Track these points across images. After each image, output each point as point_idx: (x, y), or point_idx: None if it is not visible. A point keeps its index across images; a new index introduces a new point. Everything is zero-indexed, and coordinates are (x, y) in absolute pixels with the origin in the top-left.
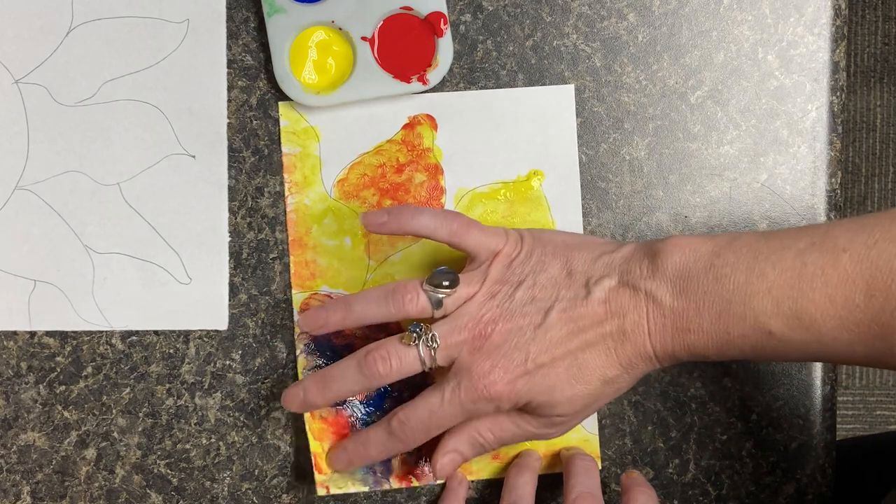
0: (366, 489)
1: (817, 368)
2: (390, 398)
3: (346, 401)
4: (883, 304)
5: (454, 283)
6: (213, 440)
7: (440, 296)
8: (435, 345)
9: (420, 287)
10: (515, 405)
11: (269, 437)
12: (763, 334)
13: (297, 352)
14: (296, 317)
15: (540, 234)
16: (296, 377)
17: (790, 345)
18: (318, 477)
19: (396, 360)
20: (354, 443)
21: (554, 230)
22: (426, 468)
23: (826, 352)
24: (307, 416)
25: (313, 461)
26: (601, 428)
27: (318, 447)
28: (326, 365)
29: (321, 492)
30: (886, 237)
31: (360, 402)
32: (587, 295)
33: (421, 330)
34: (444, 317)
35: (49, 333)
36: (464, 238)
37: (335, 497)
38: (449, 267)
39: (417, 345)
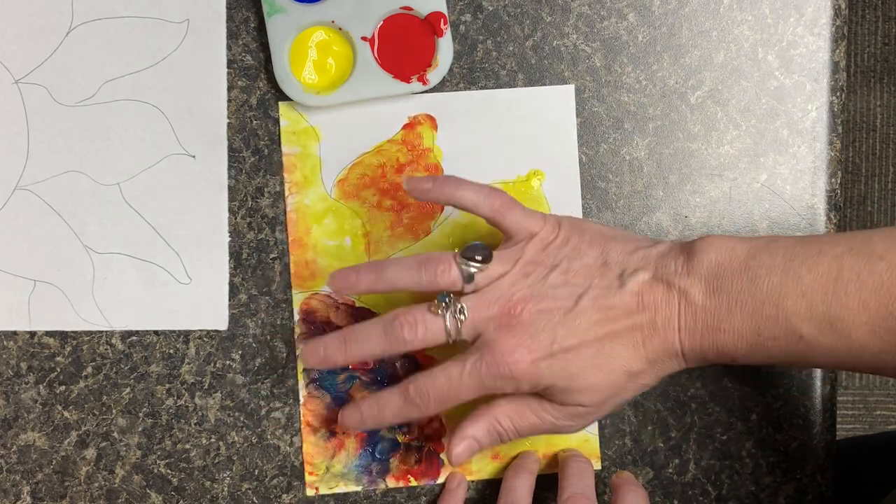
0: (359, 489)
1: (817, 369)
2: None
3: (346, 402)
4: None
5: (487, 259)
6: (213, 440)
7: (472, 270)
8: (463, 317)
9: (453, 259)
10: (535, 387)
11: (269, 437)
12: (794, 337)
13: (298, 352)
14: (296, 316)
15: (578, 223)
16: (296, 377)
17: (819, 350)
18: (308, 478)
19: (423, 327)
20: (369, 404)
21: (591, 220)
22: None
23: (854, 359)
24: (302, 414)
25: (304, 461)
26: (601, 428)
27: (310, 447)
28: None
29: (310, 492)
30: None
31: None
32: (621, 286)
33: (450, 300)
34: (473, 292)
35: (49, 333)
36: (505, 216)
37: (335, 497)
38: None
39: (445, 315)
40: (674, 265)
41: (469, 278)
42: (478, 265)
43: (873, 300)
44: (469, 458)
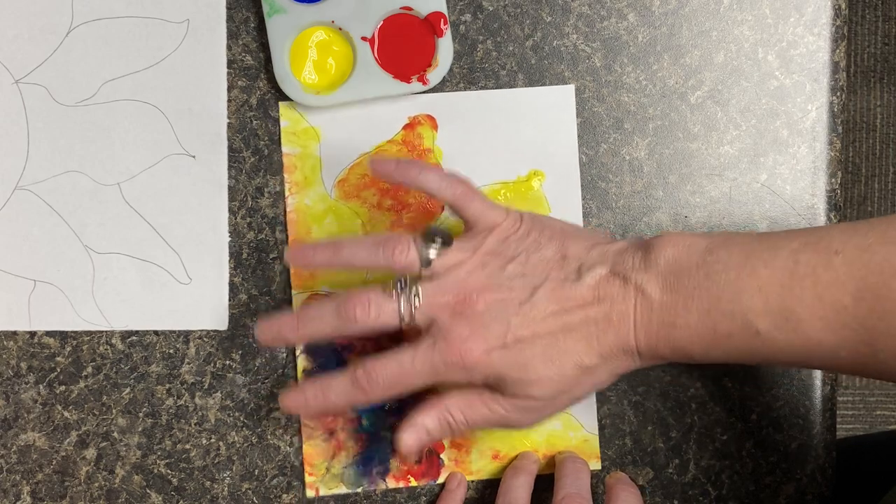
0: (359, 490)
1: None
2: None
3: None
4: (871, 307)
5: (447, 243)
6: (213, 440)
7: (431, 253)
8: (417, 301)
9: (412, 241)
10: (487, 378)
11: (269, 437)
12: (750, 333)
13: (297, 352)
14: None
15: (540, 218)
16: (296, 377)
17: (775, 345)
18: (308, 479)
19: (376, 308)
20: (314, 387)
21: (554, 217)
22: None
23: (810, 355)
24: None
25: (304, 461)
26: (601, 428)
27: (310, 448)
28: (327, 366)
29: (310, 493)
30: (880, 240)
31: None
32: (577, 279)
33: (406, 283)
34: (430, 278)
35: (49, 333)
36: (466, 204)
37: (335, 497)
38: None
39: (399, 298)
40: (631, 260)
41: (426, 262)
42: (436, 249)
43: (828, 295)
44: (418, 448)
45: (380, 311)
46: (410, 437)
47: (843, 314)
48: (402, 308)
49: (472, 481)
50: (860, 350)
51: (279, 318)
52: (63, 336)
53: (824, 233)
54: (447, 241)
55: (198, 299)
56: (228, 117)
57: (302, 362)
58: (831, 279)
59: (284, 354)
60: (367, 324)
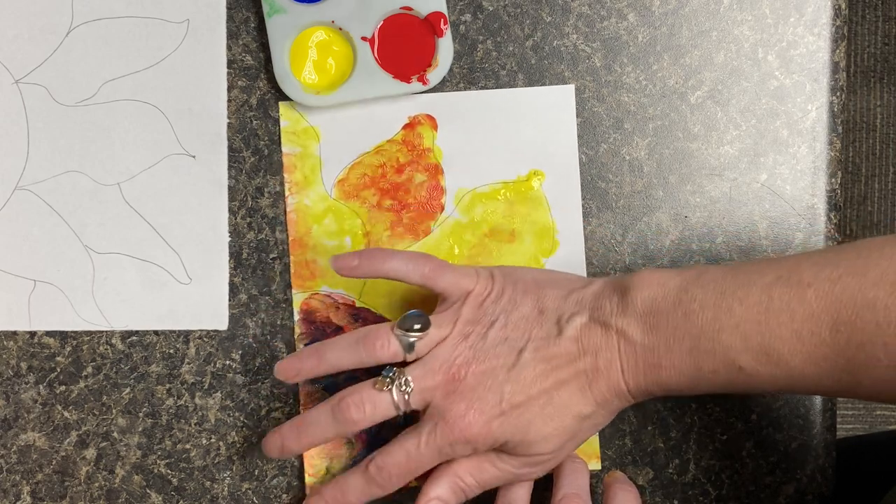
0: None
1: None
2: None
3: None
4: (848, 339)
5: (425, 326)
6: (213, 440)
7: (412, 339)
8: (409, 388)
9: (391, 332)
10: (492, 446)
11: None
12: (733, 369)
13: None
14: (296, 316)
15: (511, 272)
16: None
17: (760, 379)
18: (308, 479)
19: (370, 405)
20: (332, 489)
21: (524, 267)
22: None
23: (795, 386)
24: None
25: (304, 461)
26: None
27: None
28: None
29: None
30: (850, 271)
31: None
32: (559, 333)
33: (394, 374)
34: (417, 359)
35: (49, 333)
36: (436, 280)
37: None
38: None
39: (391, 389)
40: (609, 305)
41: (409, 348)
42: (416, 334)
43: (805, 329)
44: None
45: (375, 408)
46: None
47: (823, 347)
48: (396, 398)
49: None
50: (843, 379)
51: (281, 431)
52: (63, 336)
53: (794, 265)
54: (425, 323)
55: (198, 299)
56: (228, 117)
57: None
58: (807, 314)
59: (284, 354)
60: (364, 421)
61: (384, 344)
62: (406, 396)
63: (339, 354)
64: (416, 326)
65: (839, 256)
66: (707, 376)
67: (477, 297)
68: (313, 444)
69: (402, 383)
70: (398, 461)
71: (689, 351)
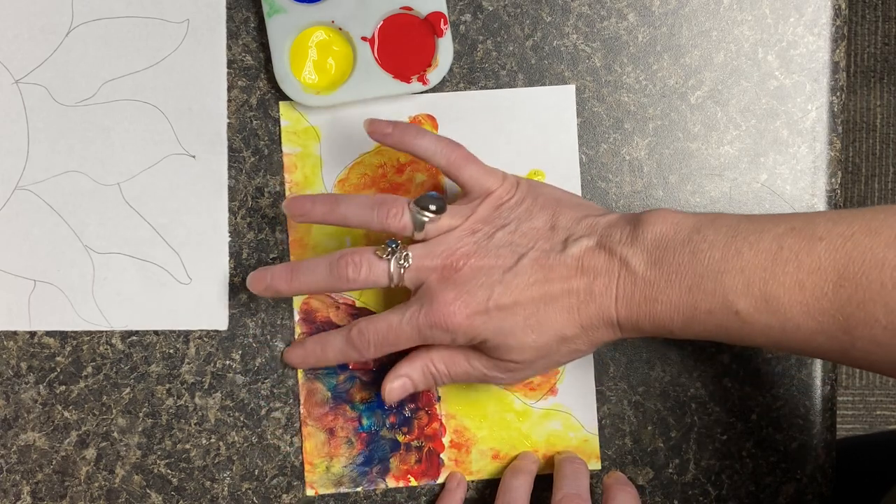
0: (359, 490)
1: (817, 368)
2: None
3: (352, 403)
4: (851, 295)
5: (440, 210)
6: (213, 440)
7: (424, 219)
8: (406, 264)
9: (407, 206)
10: (471, 341)
11: (269, 437)
12: (729, 313)
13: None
14: (296, 316)
15: (536, 186)
16: (295, 378)
17: (754, 327)
18: (308, 478)
19: (367, 268)
20: (313, 342)
21: (551, 185)
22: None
23: (788, 339)
24: (302, 414)
25: (304, 461)
26: (601, 428)
27: (310, 448)
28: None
29: (310, 493)
30: (864, 230)
31: (361, 403)
32: (563, 249)
33: (396, 247)
34: (423, 241)
35: (49, 333)
36: (460, 170)
37: (335, 497)
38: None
39: (390, 259)
40: (619, 234)
41: (419, 226)
42: (430, 214)
43: (809, 281)
44: (401, 395)
45: (370, 271)
46: (395, 384)
47: (823, 300)
48: (392, 269)
49: (472, 481)
50: (838, 337)
51: (272, 269)
52: (63, 336)
53: (810, 219)
54: (441, 207)
55: (198, 299)
56: (228, 117)
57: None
58: (814, 265)
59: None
60: (357, 282)
61: (397, 213)
62: (402, 270)
63: (352, 210)
64: (432, 207)
65: (855, 216)
66: (701, 317)
67: (497, 198)
68: (301, 291)
69: (402, 257)
70: (378, 328)
71: (688, 288)
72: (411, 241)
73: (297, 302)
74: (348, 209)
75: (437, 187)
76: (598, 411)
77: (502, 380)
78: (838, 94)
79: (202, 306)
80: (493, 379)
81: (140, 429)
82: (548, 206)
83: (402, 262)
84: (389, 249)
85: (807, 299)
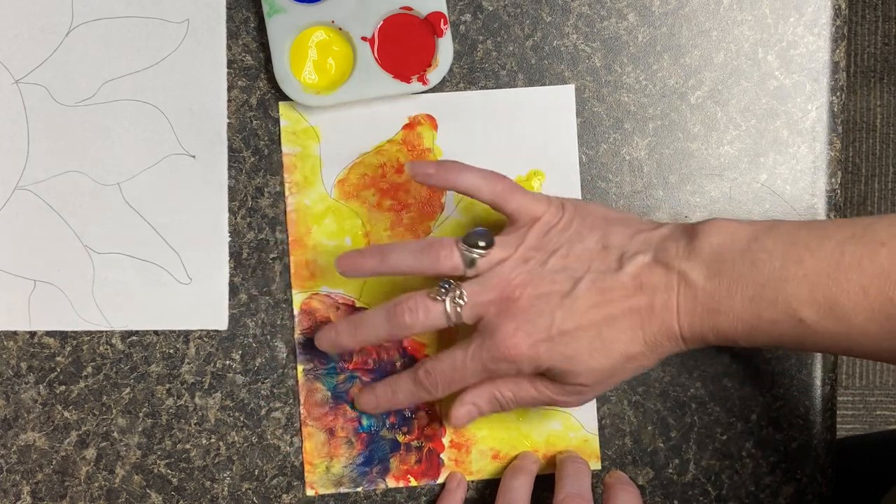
0: (359, 490)
1: (817, 368)
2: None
3: (352, 403)
4: None
5: (490, 245)
6: (213, 440)
7: (474, 256)
8: (462, 302)
9: (456, 245)
10: (536, 369)
11: (269, 437)
12: (794, 321)
13: (298, 352)
14: (296, 317)
15: (583, 206)
16: (296, 377)
17: (819, 334)
18: (308, 478)
19: (423, 312)
20: (384, 387)
21: (596, 203)
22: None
23: (853, 344)
24: (302, 414)
25: (304, 461)
26: (601, 428)
27: (310, 448)
28: (325, 363)
29: (310, 493)
30: None
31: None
32: (619, 269)
33: (450, 286)
34: (475, 276)
35: (49, 333)
36: (507, 200)
37: (335, 497)
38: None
39: (445, 300)
40: (675, 248)
41: (471, 263)
42: (480, 251)
43: (873, 287)
44: (468, 422)
45: (427, 315)
46: (461, 411)
47: (888, 306)
48: (448, 309)
49: (472, 481)
50: None
51: (336, 326)
52: (63, 336)
53: (869, 224)
54: (490, 242)
55: (198, 299)
56: (228, 117)
57: (303, 362)
58: (877, 271)
59: (284, 354)
60: (416, 326)
61: (448, 255)
62: (458, 309)
63: (402, 257)
64: (481, 244)
65: None
66: (765, 326)
67: (545, 224)
68: (365, 343)
69: (457, 296)
70: (444, 369)
71: (751, 298)
72: (464, 277)
73: (297, 302)
74: (398, 258)
75: (436, 197)
76: (598, 411)
77: (570, 403)
78: (838, 94)
79: (202, 306)
80: (561, 403)
81: (140, 429)
82: (597, 226)
83: (457, 300)
84: (443, 290)
85: (872, 305)
